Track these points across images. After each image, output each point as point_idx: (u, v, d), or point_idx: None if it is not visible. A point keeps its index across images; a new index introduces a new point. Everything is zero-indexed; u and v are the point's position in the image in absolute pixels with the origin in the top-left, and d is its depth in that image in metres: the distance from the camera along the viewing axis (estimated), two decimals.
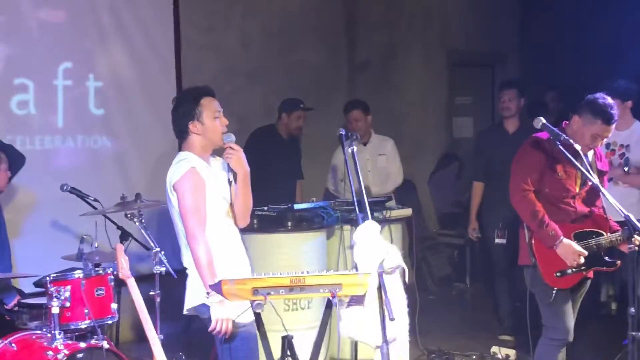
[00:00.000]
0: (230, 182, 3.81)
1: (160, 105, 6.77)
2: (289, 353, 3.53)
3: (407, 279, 3.20)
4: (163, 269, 4.24)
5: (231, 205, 3.82)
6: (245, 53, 7.48)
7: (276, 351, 3.45)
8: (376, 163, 6.62)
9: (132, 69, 6.69)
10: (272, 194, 5.81)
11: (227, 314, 3.51)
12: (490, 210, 6.34)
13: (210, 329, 3.58)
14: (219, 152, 3.91)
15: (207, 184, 3.70)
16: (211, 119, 3.74)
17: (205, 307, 3.62)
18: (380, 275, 3.03)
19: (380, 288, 3.01)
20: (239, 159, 3.75)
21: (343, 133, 3.92)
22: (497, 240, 6.12)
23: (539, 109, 7.04)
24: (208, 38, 7.21)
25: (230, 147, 3.76)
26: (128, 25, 6.62)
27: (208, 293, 3.46)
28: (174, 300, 6.90)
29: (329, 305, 3.26)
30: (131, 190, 4.83)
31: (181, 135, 3.81)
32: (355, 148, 3.65)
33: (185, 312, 3.84)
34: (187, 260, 3.75)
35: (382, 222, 5.38)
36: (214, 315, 3.53)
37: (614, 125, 4.35)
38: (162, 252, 4.25)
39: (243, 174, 3.77)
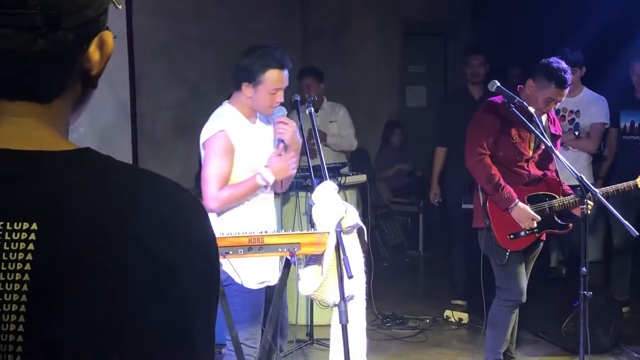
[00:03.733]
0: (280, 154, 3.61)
1: (111, 73, 6.67)
2: None
3: (366, 238, 3.21)
4: None
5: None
6: (197, 19, 7.39)
7: None
8: (328, 130, 6.60)
9: None
10: None
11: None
12: (454, 176, 6.33)
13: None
14: None
15: (239, 149, 3.53)
16: (266, 93, 3.53)
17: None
18: (338, 234, 3.04)
19: (339, 246, 3.02)
20: (293, 134, 3.60)
21: (298, 99, 3.91)
22: (464, 206, 6.12)
23: (497, 77, 7.08)
24: (160, 4, 7.10)
25: (283, 122, 3.60)
26: None
27: None
28: None
29: (287, 264, 3.27)
30: None
31: (235, 86, 3.62)
32: (312, 109, 3.65)
33: None
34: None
35: (338, 187, 5.37)
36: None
37: (567, 90, 4.41)
38: None
39: (296, 147, 3.64)
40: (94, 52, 1.07)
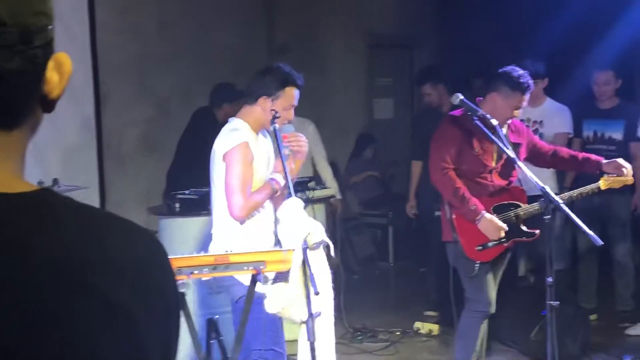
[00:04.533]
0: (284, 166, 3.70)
1: (75, 90, 6.63)
2: (214, 335, 3.52)
3: (332, 253, 3.21)
4: None
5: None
6: (162, 36, 7.37)
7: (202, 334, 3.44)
8: None
9: None
10: (209, 176, 5.79)
11: None
12: (427, 187, 6.37)
13: None
14: None
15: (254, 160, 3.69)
16: (281, 108, 3.74)
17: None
18: (304, 251, 3.04)
19: (305, 263, 3.02)
20: (304, 153, 3.80)
21: None
22: (437, 213, 6.16)
23: (464, 88, 7.15)
24: (123, 20, 7.07)
25: (298, 137, 3.78)
26: None
27: None
28: None
29: (254, 282, 3.26)
30: (47, 176, 4.72)
31: (249, 99, 3.80)
32: (277, 126, 3.66)
33: None
34: (222, 235, 3.70)
35: (305, 202, 5.38)
36: None
37: (529, 94, 4.46)
38: None
39: (301, 162, 3.82)
40: (51, 73, 1.06)
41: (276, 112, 3.81)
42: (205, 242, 5.20)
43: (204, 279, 3.16)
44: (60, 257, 0.96)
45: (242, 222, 3.63)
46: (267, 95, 3.72)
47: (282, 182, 3.66)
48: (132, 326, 0.99)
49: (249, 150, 3.64)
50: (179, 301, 1.11)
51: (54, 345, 0.94)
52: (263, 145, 3.85)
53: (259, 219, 3.71)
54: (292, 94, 3.77)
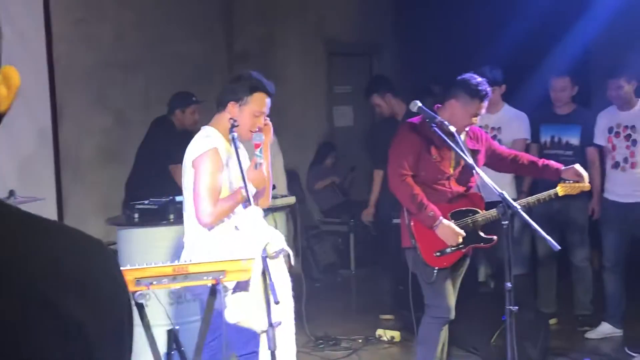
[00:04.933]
0: (256, 165, 3.71)
1: (30, 100, 6.55)
2: (174, 346, 3.49)
3: (292, 262, 3.20)
4: None
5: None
6: (119, 45, 7.31)
7: (162, 345, 3.40)
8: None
9: None
10: (168, 185, 5.79)
11: None
12: (387, 194, 6.39)
13: None
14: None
15: (224, 167, 3.66)
16: (250, 115, 3.73)
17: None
18: (264, 260, 3.03)
19: (265, 272, 3.01)
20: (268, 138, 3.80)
21: None
22: (394, 221, 6.19)
23: (424, 95, 7.20)
24: (80, 30, 7.00)
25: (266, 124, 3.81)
26: None
27: None
28: None
29: (213, 292, 3.24)
30: (3, 187, 4.66)
31: (218, 106, 3.80)
32: (235, 135, 3.64)
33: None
34: (193, 239, 3.68)
35: (266, 210, 5.37)
36: None
37: (487, 101, 4.49)
38: None
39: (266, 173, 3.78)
40: None
41: (234, 121, 3.79)
42: (177, 251, 5.17)
43: (173, 288, 3.12)
44: (10, 268, 0.95)
45: (209, 229, 3.61)
46: (235, 100, 3.73)
47: (252, 190, 3.63)
48: (84, 338, 0.98)
49: (218, 156, 3.63)
50: (131, 312, 1.10)
51: (5, 356, 0.93)
52: (233, 151, 3.78)
53: (228, 225, 3.68)
54: (261, 100, 3.75)
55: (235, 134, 3.71)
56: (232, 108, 3.73)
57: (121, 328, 1.05)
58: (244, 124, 3.72)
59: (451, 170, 4.52)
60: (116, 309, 1.04)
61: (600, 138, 5.95)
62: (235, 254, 3.34)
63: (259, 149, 3.69)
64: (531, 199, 4.61)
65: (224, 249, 3.51)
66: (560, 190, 4.56)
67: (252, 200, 3.40)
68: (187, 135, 6.52)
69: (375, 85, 6.83)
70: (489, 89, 4.46)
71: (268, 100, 3.79)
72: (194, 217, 3.64)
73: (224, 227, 3.65)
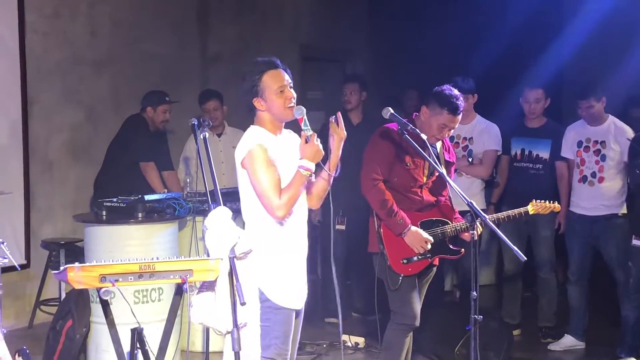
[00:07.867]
0: (307, 139, 3.59)
1: (2, 94, 6.48)
2: (138, 345, 3.46)
3: None
4: (6, 261, 4.07)
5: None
6: (92, 41, 7.25)
7: (126, 344, 3.37)
8: (230, 155, 6.56)
9: None
10: (138, 184, 5.74)
11: None
12: (333, 198, 6.38)
13: None
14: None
15: (276, 161, 3.55)
16: (274, 95, 3.58)
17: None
18: (231, 260, 3.02)
19: (232, 273, 3.00)
20: (340, 140, 3.67)
21: (195, 123, 3.87)
22: (337, 227, 6.24)
23: (392, 104, 7.24)
24: (53, 26, 6.94)
25: (336, 123, 3.69)
26: None
27: None
28: (16, 294, 6.62)
29: (179, 291, 3.22)
30: None
31: (250, 110, 3.68)
32: (207, 134, 3.61)
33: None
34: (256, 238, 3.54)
35: (234, 212, 5.35)
36: None
37: (460, 116, 4.51)
38: (5, 244, 4.07)
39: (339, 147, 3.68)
40: None
41: (204, 120, 3.76)
42: (145, 249, 5.10)
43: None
44: None
45: (281, 224, 3.54)
46: (255, 95, 3.61)
47: (311, 166, 3.55)
48: None
49: (263, 150, 3.52)
50: None
51: None
52: (286, 142, 3.70)
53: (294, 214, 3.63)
54: (273, 77, 3.60)
55: (207, 134, 3.67)
56: (258, 103, 3.62)
57: None
58: (277, 107, 3.60)
59: (424, 179, 4.53)
60: None
61: (567, 151, 6.01)
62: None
63: (303, 122, 3.59)
64: (501, 215, 4.67)
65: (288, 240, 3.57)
66: (531, 208, 4.66)
67: (220, 200, 3.38)
68: (160, 135, 6.53)
69: (363, 78, 6.90)
70: (461, 104, 4.47)
71: (281, 72, 3.64)
72: (253, 215, 3.60)
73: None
